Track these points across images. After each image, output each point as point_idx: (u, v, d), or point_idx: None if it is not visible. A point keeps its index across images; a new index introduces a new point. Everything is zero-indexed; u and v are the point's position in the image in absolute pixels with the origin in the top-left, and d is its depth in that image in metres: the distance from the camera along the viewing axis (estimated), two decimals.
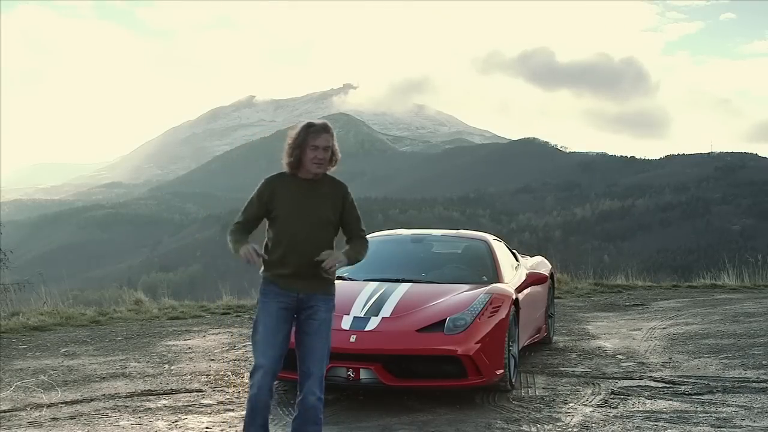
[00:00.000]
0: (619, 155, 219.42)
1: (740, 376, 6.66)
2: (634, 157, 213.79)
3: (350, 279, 6.88)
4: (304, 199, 4.35)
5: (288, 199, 4.34)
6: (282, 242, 4.33)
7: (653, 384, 6.45)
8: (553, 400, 5.98)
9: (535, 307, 7.62)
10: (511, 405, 5.80)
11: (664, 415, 5.47)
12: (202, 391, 6.28)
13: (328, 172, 4.42)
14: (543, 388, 6.39)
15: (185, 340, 8.77)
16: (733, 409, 5.61)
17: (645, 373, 6.88)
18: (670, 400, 5.91)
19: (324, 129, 4.31)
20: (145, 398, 6.08)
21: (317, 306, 4.35)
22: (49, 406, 5.84)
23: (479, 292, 6.20)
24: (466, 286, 6.49)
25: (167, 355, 7.89)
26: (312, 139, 4.27)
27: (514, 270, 7.58)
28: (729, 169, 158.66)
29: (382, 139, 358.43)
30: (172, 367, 7.27)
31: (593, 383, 6.52)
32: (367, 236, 4.64)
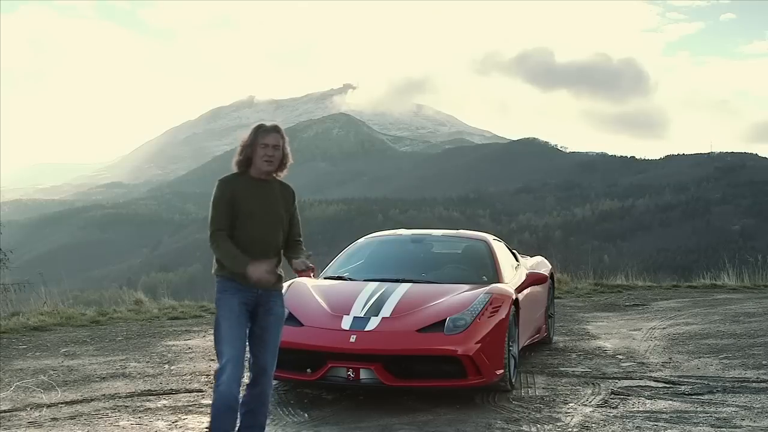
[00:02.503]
0: (619, 155, 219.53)
1: (740, 376, 6.66)
2: (634, 157, 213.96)
3: (350, 279, 6.88)
4: (261, 199, 4.46)
5: (248, 200, 4.43)
6: (242, 242, 4.39)
7: (653, 384, 6.45)
8: (553, 400, 5.98)
9: (535, 307, 7.62)
10: (511, 405, 5.80)
11: (664, 415, 5.47)
12: (202, 391, 6.28)
13: (280, 178, 4.57)
14: (543, 388, 6.39)
15: (185, 340, 8.77)
16: (733, 409, 5.61)
17: (645, 373, 6.88)
18: (670, 400, 5.92)
19: (274, 129, 4.48)
20: (145, 398, 6.08)
21: (274, 301, 4.50)
22: (49, 406, 5.84)
23: (479, 292, 6.20)
24: (466, 286, 6.49)
25: (167, 355, 7.89)
26: (262, 138, 4.42)
27: (514, 270, 7.58)
28: (729, 169, 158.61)
29: (382, 139, 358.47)
30: (172, 367, 7.27)
31: (593, 383, 6.52)
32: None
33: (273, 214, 4.48)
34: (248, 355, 4.51)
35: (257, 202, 4.44)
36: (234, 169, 4.50)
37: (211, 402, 4.36)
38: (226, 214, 4.40)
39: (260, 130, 4.45)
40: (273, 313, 4.50)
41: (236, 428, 4.43)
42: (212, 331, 4.58)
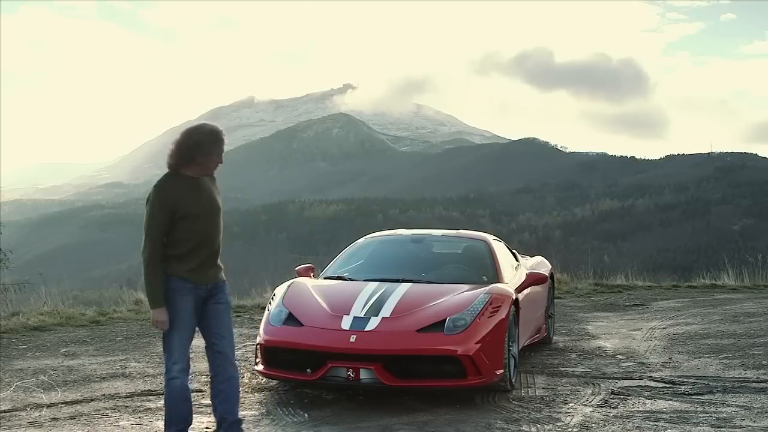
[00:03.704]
0: (619, 155, 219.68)
1: (740, 376, 6.66)
2: (634, 157, 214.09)
3: (350, 279, 6.89)
4: (203, 197, 4.58)
5: (192, 199, 4.51)
6: (191, 239, 4.51)
7: (653, 384, 6.45)
8: (553, 400, 5.98)
9: (535, 307, 7.62)
10: (511, 405, 5.80)
11: (664, 415, 5.47)
12: (202, 391, 6.27)
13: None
14: (543, 388, 6.39)
15: None
16: (733, 409, 5.61)
17: (645, 373, 6.88)
18: (670, 400, 5.92)
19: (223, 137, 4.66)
20: (145, 398, 6.08)
21: (220, 291, 4.70)
22: (49, 406, 5.84)
23: (479, 292, 6.20)
24: (466, 286, 6.49)
25: None
26: (220, 147, 4.59)
27: (514, 270, 7.58)
28: (729, 169, 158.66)
29: (382, 139, 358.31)
30: None
31: (593, 383, 6.52)
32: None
33: (215, 210, 4.63)
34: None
35: (200, 203, 4.54)
36: (173, 168, 4.56)
37: (165, 395, 4.61)
38: (164, 225, 4.45)
39: (221, 142, 4.57)
40: (221, 301, 4.68)
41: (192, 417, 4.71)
42: None
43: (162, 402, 5.91)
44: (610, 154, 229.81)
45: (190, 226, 4.49)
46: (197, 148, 4.50)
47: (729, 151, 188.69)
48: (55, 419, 5.48)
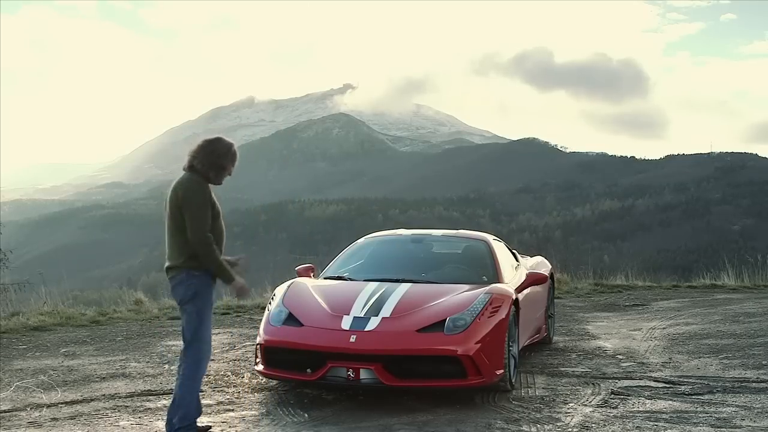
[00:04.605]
0: (619, 155, 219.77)
1: (740, 376, 6.66)
2: (634, 157, 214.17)
3: (350, 279, 6.88)
4: (215, 199, 4.99)
5: (215, 201, 4.95)
6: (217, 238, 4.85)
7: (653, 384, 6.45)
8: (553, 400, 5.98)
9: (535, 307, 7.62)
10: (511, 405, 5.80)
11: (664, 415, 5.47)
12: (202, 391, 6.26)
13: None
14: (543, 388, 6.39)
15: None
16: (733, 409, 5.62)
17: (645, 373, 6.88)
18: (670, 400, 5.92)
19: None
20: (145, 398, 6.08)
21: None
22: (49, 406, 5.84)
23: (479, 292, 6.20)
24: (466, 286, 6.49)
25: (167, 355, 7.89)
26: (236, 159, 5.03)
27: (514, 270, 7.58)
28: (729, 169, 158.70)
29: (382, 139, 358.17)
30: (172, 367, 7.26)
31: (593, 383, 6.52)
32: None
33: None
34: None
35: (215, 201, 4.95)
36: (205, 175, 4.88)
37: (187, 388, 4.84)
38: (208, 219, 4.80)
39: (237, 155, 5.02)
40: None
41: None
42: (212, 332, 4.75)
43: (163, 402, 5.91)
44: (610, 154, 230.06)
45: (216, 224, 4.87)
46: (231, 159, 4.93)
47: (729, 151, 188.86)
48: (55, 419, 5.48)
